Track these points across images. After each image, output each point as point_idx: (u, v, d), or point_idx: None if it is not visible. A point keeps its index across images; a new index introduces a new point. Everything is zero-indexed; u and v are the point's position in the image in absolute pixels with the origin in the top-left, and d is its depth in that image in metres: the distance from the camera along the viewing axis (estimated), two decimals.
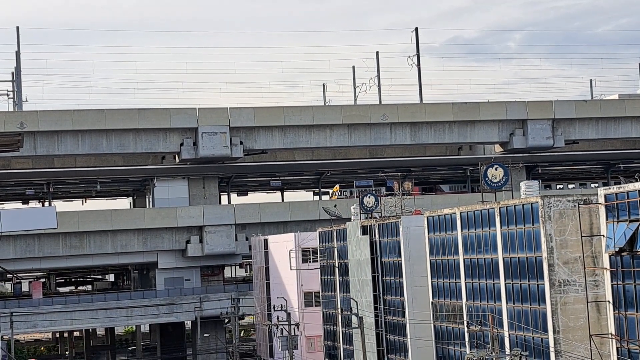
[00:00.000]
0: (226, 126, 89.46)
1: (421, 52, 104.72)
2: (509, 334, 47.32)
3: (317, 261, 73.79)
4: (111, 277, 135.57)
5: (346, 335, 67.03)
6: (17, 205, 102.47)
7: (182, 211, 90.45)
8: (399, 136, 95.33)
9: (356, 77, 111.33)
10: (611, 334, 40.59)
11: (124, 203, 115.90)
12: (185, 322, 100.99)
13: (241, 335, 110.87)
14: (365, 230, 63.89)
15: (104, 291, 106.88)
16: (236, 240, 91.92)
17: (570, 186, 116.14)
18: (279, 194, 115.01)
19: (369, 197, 66.29)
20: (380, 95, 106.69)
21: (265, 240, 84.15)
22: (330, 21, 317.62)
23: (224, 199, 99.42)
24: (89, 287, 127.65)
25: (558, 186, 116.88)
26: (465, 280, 51.91)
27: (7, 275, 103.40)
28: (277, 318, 71.01)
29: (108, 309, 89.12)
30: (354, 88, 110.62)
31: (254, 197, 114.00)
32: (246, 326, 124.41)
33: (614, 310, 40.25)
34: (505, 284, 47.84)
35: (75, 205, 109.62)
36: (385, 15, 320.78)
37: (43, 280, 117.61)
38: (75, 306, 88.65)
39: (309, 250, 75.38)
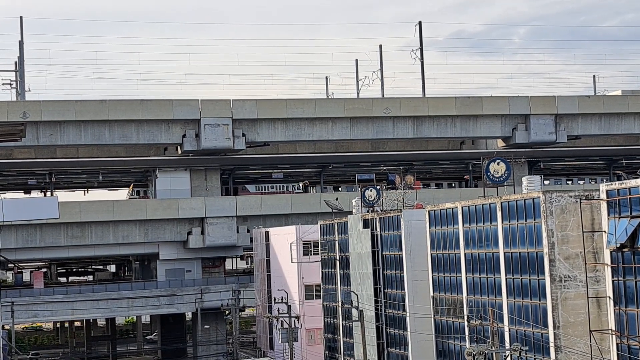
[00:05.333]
0: (229, 118, 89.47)
1: (424, 45, 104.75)
2: (509, 329, 47.36)
3: (318, 254, 73.83)
4: (112, 268, 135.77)
5: (346, 328, 67.10)
6: (19, 195, 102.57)
7: (183, 202, 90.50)
8: (401, 130, 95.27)
9: (359, 70, 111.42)
10: (611, 329, 40.62)
11: (124, 194, 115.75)
12: (186, 313, 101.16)
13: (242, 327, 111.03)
14: (366, 223, 63.91)
15: (105, 282, 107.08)
16: (237, 232, 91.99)
17: (580, 182, 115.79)
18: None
19: (371, 190, 66.26)
20: (383, 88, 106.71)
21: (267, 233, 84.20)
22: (334, 14, 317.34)
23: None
24: (90, 278, 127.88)
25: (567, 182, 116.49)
26: (466, 274, 51.93)
27: (9, 265, 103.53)
28: (278, 310, 71.07)
29: (109, 300, 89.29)
30: (357, 81, 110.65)
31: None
32: (247, 318, 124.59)
33: (615, 306, 40.26)
34: (506, 279, 47.86)
35: (77, 195, 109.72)
36: (389, 8, 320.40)
37: (44, 270, 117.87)
38: (76, 296, 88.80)
39: (310, 243, 75.42)
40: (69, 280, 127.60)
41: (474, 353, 40.31)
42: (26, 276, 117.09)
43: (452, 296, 53.51)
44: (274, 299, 75.21)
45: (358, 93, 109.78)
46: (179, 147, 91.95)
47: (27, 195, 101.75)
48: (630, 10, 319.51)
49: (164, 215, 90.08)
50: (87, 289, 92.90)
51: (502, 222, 48.03)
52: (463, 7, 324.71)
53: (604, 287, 42.46)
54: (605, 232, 40.90)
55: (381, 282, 61.70)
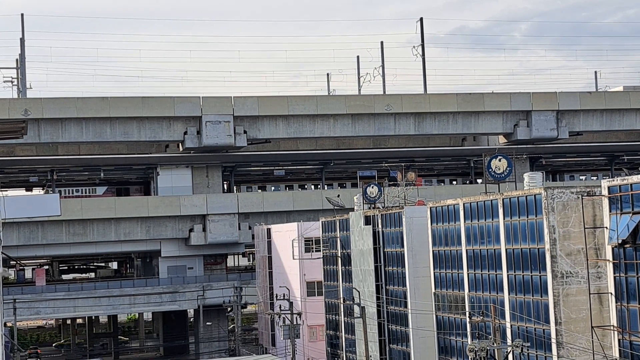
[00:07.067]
0: (230, 115, 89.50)
1: (426, 42, 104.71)
2: (511, 325, 47.35)
3: (319, 251, 73.85)
4: (114, 265, 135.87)
5: (348, 324, 67.14)
6: (21, 192, 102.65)
7: (185, 200, 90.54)
8: (402, 126, 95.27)
9: (360, 67, 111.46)
10: (613, 325, 40.61)
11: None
12: (188, 310, 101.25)
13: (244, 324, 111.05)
14: (368, 220, 63.89)
15: (107, 279, 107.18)
16: (239, 229, 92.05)
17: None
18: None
19: (372, 187, 66.24)
20: (384, 85, 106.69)
21: (268, 230, 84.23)
22: (335, 10, 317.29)
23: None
24: (92, 275, 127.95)
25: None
26: (467, 271, 51.92)
27: (11, 262, 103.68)
28: (280, 307, 71.09)
29: (111, 297, 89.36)
30: (358, 78, 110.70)
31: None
32: (249, 315, 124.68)
33: (616, 302, 40.26)
34: (508, 275, 47.84)
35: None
36: (390, 5, 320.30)
37: (46, 267, 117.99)
38: (78, 293, 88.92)
39: (312, 240, 75.41)
40: (71, 278, 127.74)
41: (476, 349, 40.34)
42: (28, 273, 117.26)
43: (454, 292, 53.50)
44: (276, 296, 75.25)
45: (359, 90, 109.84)
46: (180, 144, 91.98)
47: (29, 193, 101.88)
48: (632, 6, 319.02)
49: (165, 212, 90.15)
50: (89, 286, 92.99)
51: (504, 219, 48.00)
52: (464, 3, 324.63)
53: (605, 283, 42.43)
54: (607, 228, 40.89)
55: (383, 279, 61.72)
